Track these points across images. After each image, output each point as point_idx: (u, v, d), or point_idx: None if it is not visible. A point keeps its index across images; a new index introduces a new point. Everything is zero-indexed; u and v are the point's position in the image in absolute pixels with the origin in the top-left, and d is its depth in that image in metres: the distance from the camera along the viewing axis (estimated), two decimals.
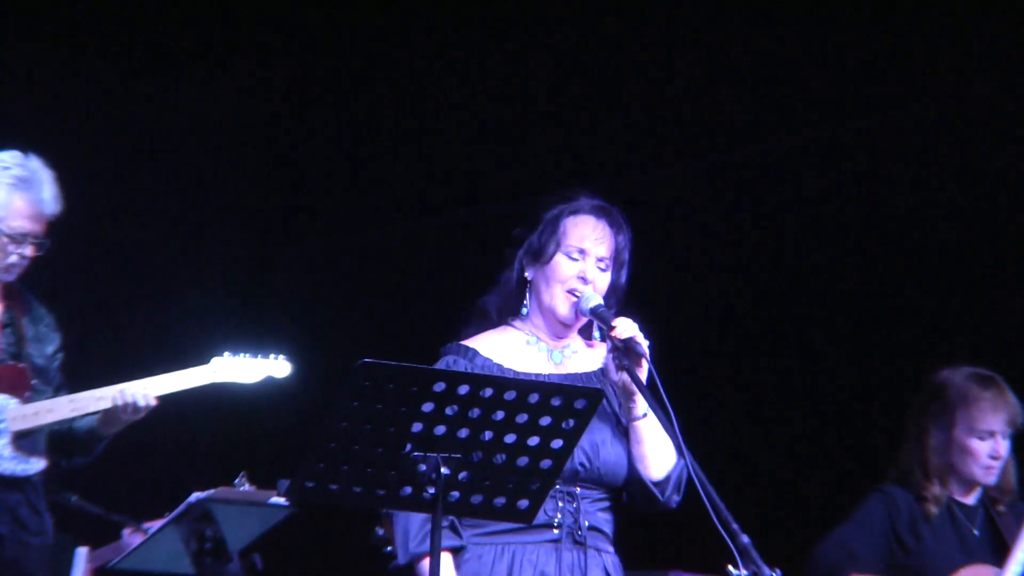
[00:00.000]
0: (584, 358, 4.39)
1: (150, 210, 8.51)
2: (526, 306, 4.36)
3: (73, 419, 5.56)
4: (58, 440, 5.59)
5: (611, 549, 4.29)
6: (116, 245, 8.33)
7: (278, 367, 5.89)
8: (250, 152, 8.92)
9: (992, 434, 5.36)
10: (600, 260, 4.32)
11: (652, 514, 4.30)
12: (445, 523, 4.10)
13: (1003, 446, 5.37)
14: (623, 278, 4.37)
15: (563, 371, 4.33)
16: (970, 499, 5.43)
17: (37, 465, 5.53)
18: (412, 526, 4.16)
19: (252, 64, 8.65)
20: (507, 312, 4.38)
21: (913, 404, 5.48)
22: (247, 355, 5.83)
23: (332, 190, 8.75)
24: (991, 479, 5.39)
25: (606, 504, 4.29)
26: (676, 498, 4.28)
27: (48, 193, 5.53)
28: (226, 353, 5.79)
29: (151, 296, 8.38)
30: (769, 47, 7.22)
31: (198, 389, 5.74)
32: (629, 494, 4.30)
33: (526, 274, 4.35)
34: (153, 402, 5.56)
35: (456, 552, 4.19)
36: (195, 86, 8.64)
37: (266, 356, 5.87)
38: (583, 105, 7.78)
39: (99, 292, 8.15)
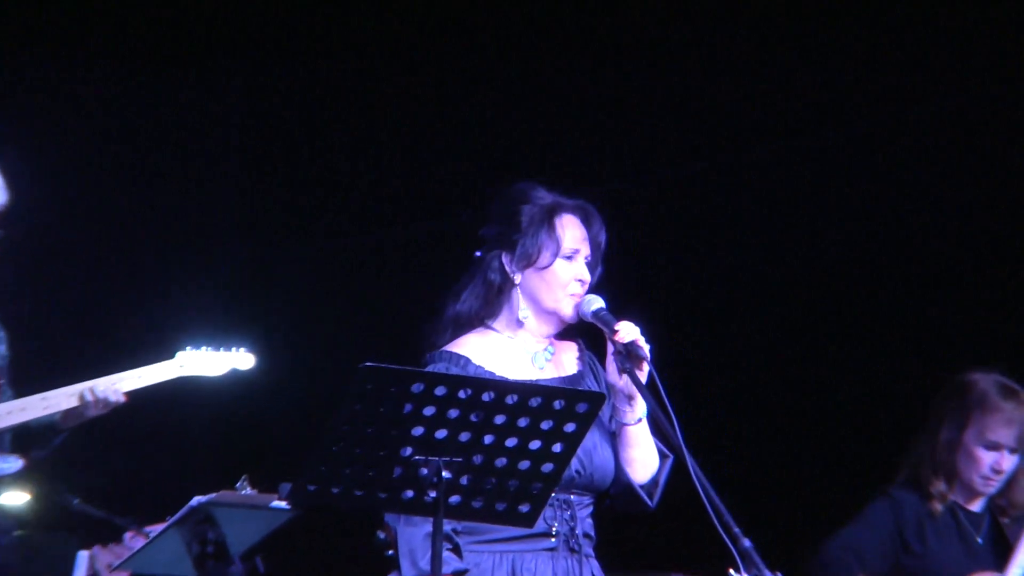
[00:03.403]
0: (561, 360, 4.37)
1: (145, 209, 8.49)
2: (524, 310, 4.29)
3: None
4: (16, 436, 5.58)
5: (593, 553, 4.28)
6: (111, 246, 8.31)
7: (241, 359, 5.87)
8: (248, 153, 8.90)
9: (998, 447, 5.30)
10: (586, 258, 4.34)
11: (632, 516, 4.30)
12: (449, 546, 4.10)
13: (1009, 460, 5.31)
14: (597, 275, 4.37)
15: (548, 375, 4.31)
16: (975, 506, 5.40)
17: (16, 464, 5.53)
18: (416, 542, 4.12)
19: (252, 64, 8.64)
20: (486, 315, 4.35)
21: (936, 397, 5.43)
22: (209, 348, 5.82)
23: (331, 192, 8.74)
24: (990, 489, 5.34)
25: (592, 509, 4.29)
26: (657, 499, 4.29)
27: None
28: (188, 347, 5.79)
29: (146, 296, 8.35)
30: (768, 48, 7.23)
31: (200, 390, 5.74)
32: (613, 497, 4.29)
33: (514, 277, 4.32)
34: (123, 398, 5.56)
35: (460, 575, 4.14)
36: (195, 86, 8.63)
37: (228, 349, 5.86)
38: (577, 109, 7.77)
39: (96, 292, 8.13)
